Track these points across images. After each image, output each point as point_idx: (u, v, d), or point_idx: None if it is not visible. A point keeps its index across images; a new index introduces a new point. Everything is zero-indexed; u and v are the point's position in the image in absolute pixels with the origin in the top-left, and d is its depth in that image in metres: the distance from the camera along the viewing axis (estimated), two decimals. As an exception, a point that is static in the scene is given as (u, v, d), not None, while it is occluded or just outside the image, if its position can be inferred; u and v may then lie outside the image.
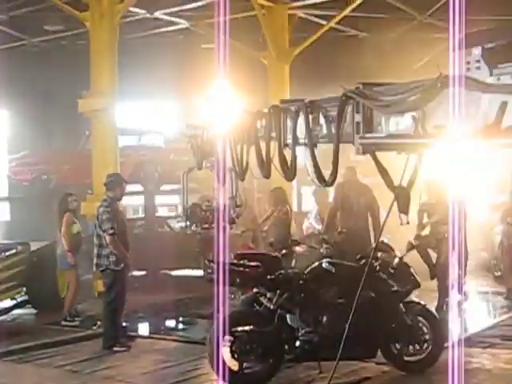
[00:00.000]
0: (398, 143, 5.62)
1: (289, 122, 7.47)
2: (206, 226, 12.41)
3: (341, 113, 6.29)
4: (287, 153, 7.49)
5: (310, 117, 6.94)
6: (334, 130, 6.56)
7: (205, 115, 11.32)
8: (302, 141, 7.13)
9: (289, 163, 7.48)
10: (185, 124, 11.88)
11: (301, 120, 7.06)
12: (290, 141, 7.38)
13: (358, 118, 6.06)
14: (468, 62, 4.94)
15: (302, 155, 7.34)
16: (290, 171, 7.49)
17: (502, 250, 13.98)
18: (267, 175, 7.93)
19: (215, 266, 8.60)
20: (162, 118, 23.87)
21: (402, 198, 6.12)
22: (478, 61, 4.85)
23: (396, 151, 6.48)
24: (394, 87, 5.72)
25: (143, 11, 19.40)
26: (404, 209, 6.24)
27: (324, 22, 20.65)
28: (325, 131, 6.89)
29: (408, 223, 6.45)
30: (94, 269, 10.80)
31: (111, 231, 10.30)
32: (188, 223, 12.75)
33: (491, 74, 4.72)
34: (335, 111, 6.53)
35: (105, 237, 10.33)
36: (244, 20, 19.45)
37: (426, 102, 5.19)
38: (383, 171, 6.15)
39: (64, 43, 21.99)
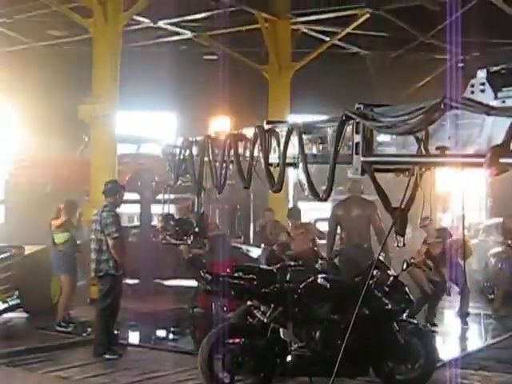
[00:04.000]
0: (406, 162, 5.60)
1: (273, 142, 7.67)
2: (175, 237, 12.66)
3: (339, 133, 6.30)
4: (274, 170, 7.68)
5: (304, 137, 7.03)
6: (329, 150, 6.61)
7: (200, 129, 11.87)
8: (290, 161, 7.28)
9: (275, 179, 7.62)
10: (164, 144, 12.36)
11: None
12: (275, 160, 7.54)
13: (358, 138, 6.05)
14: (472, 85, 4.92)
15: (294, 171, 7.50)
16: (276, 186, 7.61)
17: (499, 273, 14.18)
18: (248, 186, 8.26)
19: (210, 278, 8.62)
20: (162, 128, 23.88)
21: (400, 220, 6.14)
22: (483, 83, 4.84)
23: (395, 173, 6.53)
24: (395, 109, 5.71)
25: (147, 20, 19.48)
26: (401, 231, 6.26)
27: (327, 38, 20.75)
28: (315, 152, 6.99)
29: (404, 245, 6.48)
30: (93, 274, 10.76)
31: (115, 235, 10.31)
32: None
33: (496, 97, 4.71)
34: (328, 132, 6.64)
35: (107, 241, 10.33)
36: (247, 33, 19.55)
37: (428, 123, 5.18)
38: (381, 192, 6.17)
39: (67, 48, 22.02)
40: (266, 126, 7.84)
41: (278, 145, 7.46)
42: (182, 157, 10.83)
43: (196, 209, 12.87)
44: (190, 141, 10.60)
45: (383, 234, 11.70)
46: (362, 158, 5.85)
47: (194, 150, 10.39)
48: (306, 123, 7.14)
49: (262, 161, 7.66)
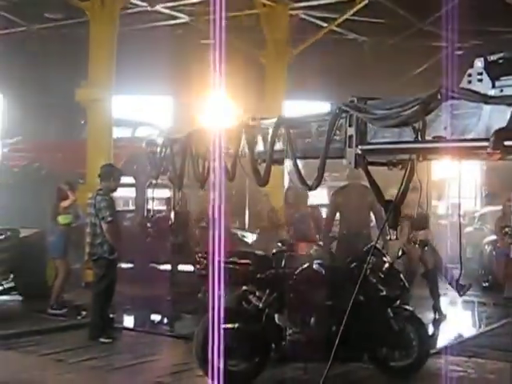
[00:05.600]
0: (406, 149, 5.53)
1: (260, 139, 7.74)
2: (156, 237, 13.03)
3: (332, 125, 6.32)
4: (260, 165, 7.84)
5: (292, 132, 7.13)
6: (314, 145, 6.68)
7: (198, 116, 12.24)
8: (277, 155, 7.42)
9: (261, 174, 7.75)
10: (145, 141, 12.64)
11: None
12: (263, 156, 7.66)
13: (351, 131, 6.04)
14: (470, 75, 4.92)
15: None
16: (263, 180, 7.77)
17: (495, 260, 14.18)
18: (232, 180, 8.48)
19: (206, 262, 8.64)
20: (158, 112, 23.85)
21: (392, 214, 6.15)
22: (481, 73, 4.83)
23: (388, 167, 6.56)
24: (389, 101, 5.69)
25: (144, 3, 19.41)
26: (393, 224, 6.29)
27: (325, 24, 20.70)
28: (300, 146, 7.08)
29: (397, 238, 6.52)
30: (87, 258, 10.81)
31: (109, 219, 10.33)
32: None
33: (494, 86, 4.71)
34: (313, 127, 6.73)
35: (101, 225, 10.33)
36: (245, 18, 19.49)
37: (424, 113, 5.17)
38: (374, 185, 6.21)
39: (64, 31, 21.92)
40: (251, 122, 7.98)
41: (264, 140, 7.61)
42: (162, 155, 11.15)
43: (173, 205, 13.12)
44: (171, 138, 10.93)
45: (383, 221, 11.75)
46: (360, 147, 5.84)
47: (175, 148, 10.63)
48: (293, 118, 7.25)
49: (248, 157, 7.80)
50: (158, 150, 11.39)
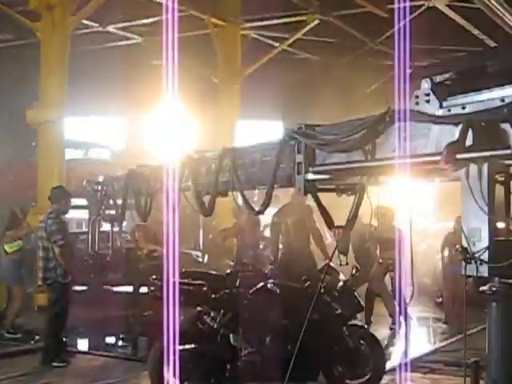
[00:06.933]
0: (358, 167, 5.53)
1: (204, 171, 8.00)
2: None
3: (280, 153, 6.37)
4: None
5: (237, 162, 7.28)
6: (263, 173, 6.77)
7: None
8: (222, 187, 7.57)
9: (206, 205, 7.88)
10: (86, 180, 12.99)
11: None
12: (207, 188, 7.90)
13: (300, 158, 6.07)
14: (417, 96, 4.97)
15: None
16: (208, 211, 8.05)
17: (444, 276, 14.22)
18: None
19: (159, 284, 8.59)
20: (110, 133, 23.73)
21: (342, 239, 6.21)
22: (428, 94, 4.89)
23: (336, 192, 6.61)
24: (338, 125, 5.72)
25: (96, 24, 19.35)
26: (343, 249, 6.34)
27: (277, 44, 20.84)
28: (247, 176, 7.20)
29: (347, 264, 6.57)
30: (40, 282, 10.66)
31: (61, 242, 10.22)
32: None
33: (441, 107, 4.77)
34: (260, 156, 6.84)
35: (53, 249, 10.22)
36: (196, 38, 19.52)
37: (374, 136, 5.20)
38: (324, 211, 6.26)
39: (14, 52, 21.73)
40: (196, 155, 8.11)
41: (208, 172, 7.75)
42: (103, 192, 11.86)
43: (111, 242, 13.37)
44: (111, 177, 11.74)
45: (319, 235, 11.89)
46: (311, 169, 5.85)
47: (116, 185, 11.30)
48: (237, 149, 7.38)
49: (192, 189, 7.91)
50: (99, 187, 11.99)
